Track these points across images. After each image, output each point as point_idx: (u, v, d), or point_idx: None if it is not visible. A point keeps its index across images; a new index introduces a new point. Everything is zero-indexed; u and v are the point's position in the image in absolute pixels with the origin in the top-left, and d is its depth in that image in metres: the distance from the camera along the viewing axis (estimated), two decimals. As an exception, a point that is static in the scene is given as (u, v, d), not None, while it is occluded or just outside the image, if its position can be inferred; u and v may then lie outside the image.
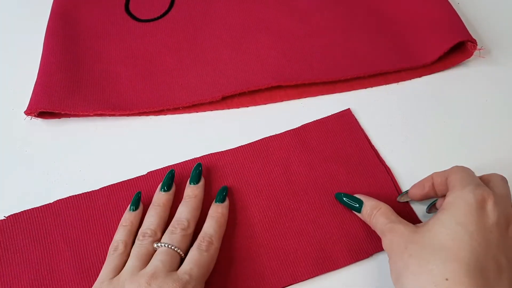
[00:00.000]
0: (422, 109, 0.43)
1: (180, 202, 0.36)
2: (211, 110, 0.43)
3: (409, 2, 0.49)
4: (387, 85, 0.45)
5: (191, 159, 0.39)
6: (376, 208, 0.33)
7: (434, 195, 0.34)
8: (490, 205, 0.29)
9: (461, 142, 0.41)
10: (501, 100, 0.44)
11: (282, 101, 0.44)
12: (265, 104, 0.44)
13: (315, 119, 0.42)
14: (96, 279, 0.32)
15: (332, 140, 0.40)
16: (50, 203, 0.37)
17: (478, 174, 0.37)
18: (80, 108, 0.42)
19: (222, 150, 0.40)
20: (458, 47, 0.45)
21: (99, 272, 0.32)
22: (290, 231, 0.35)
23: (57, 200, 0.37)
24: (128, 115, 0.43)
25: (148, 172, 0.39)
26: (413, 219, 0.36)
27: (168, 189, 0.36)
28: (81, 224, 0.36)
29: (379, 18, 0.49)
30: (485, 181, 0.32)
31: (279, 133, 0.41)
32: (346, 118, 0.42)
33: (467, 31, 0.45)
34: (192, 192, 0.36)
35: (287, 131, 0.41)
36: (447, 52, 0.44)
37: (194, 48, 0.47)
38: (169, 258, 0.31)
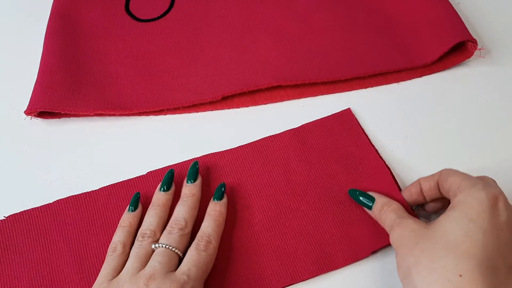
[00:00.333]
0: (422, 109, 0.43)
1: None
2: (211, 110, 0.43)
3: (409, 2, 0.49)
4: (387, 85, 0.45)
5: (191, 159, 0.39)
6: (387, 205, 0.33)
7: (422, 200, 0.34)
8: (501, 204, 0.29)
9: (461, 142, 0.41)
10: (501, 100, 0.44)
11: (282, 101, 0.44)
12: (265, 104, 0.43)
13: (315, 119, 0.42)
14: (96, 279, 0.32)
15: (332, 140, 0.40)
16: (50, 203, 0.37)
17: (478, 174, 0.37)
18: (80, 108, 0.42)
19: (222, 150, 0.40)
20: (458, 47, 0.45)
21: (99, 272, 0.32)
22: (290, 230, 0.35)
23: (57, 200, 0.37)
24: (128, 115, 0.43)
25: (148, 172, 0.39)
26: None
27: (168, 189, 0.36)
28: (81, 224, 0.36)
29: (379, 18, 0.49)
30: None
31: (279, 132, 0.41)
32: (346, 118, 0.42)
33: (467, 31, 0.45)
34: (189, 191, 0.36)
35: (287, 130, 0.41)
36: (447, 52, 0.44)
37: (194, 48, 0.47)
38: (167, 258, 0.31)
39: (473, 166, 0.39)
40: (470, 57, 0.45)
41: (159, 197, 0.36)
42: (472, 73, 0.45)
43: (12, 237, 0.35)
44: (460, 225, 0.28)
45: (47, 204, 0.37)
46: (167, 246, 0.32)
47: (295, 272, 0.34)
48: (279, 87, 0.44)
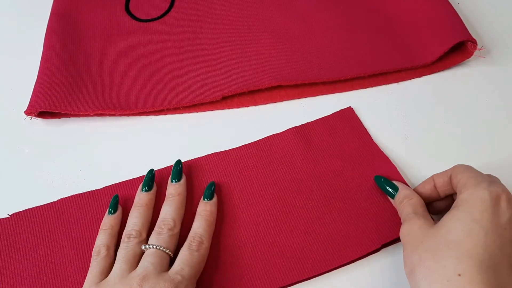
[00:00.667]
0: (422, 109, 0.43)
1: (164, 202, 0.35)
2: (211, 110, 0.43)
3: (409, 2, 0.49)
4: (387, 85, 0.45)
5: (191, 159, 0.39)
6: (408, 197, 0.34)
7: (436, 197, 0.34)
8: (504, 202, 0.29)
9: (461, 142, 0.41)
10: (501, 100, 0.44)
11: (282, 101, 0.44)
12: (265, 104, 0.44)
13: (315, 119, 0.42)
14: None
15: (335, 137, 0.40)
16: (53, 201, 0.37)
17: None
18: (80, 108, 0.42)
19: (222, 150, 0.40)
20: (458, 47, 0.45)
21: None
22: (296, 228, 0.35)
23: (61, 198, 0.37)
24: (128, 115, 0.43)
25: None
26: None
27: (149, 189, 0.36)
28: (84, 222, 0.36)
29: (379, 18, 0.49)
30: None
31: (281, 131, 0.41)
32: (347, 116, 0.42)
33: (467, 31, 0.45)
34: (175, 191, 0.36)
35: (290, 128, 0.41)
36: (447, 52, 0.44)
37: (194, 48, 0.47)
38: (158, 259, 0.31)
39: (473, 166, 0.39)
40: (470, 57, 0.45)
41: (142, 197, 0.36)
42: (472, 73, 0.45)
43: (16, 235, 0.35)
44: (463, 225, 0.29)
45: (51, 202, 0.37)
46: (157, 247, 0.32)
47: (301, 269, 0.33)
48: (279, 87, 0.44)
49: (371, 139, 0.40)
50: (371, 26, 0.48)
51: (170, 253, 0.32)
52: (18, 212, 0.36)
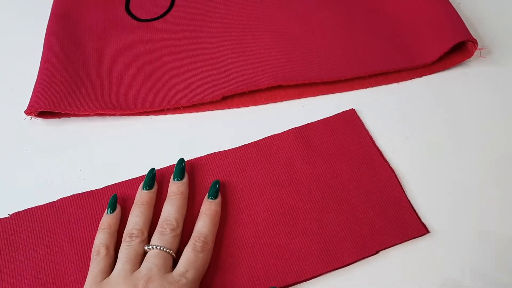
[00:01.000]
0: (422, 109, 0.43)
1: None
2: (212, 110, 0.43)
3: (410, 2, 0.49)
4: (388, 85, 0.45)
5: (192, 159, 0.39)
6: None
7: None
8: None
9: (461, 142, 0.41)
10: (502, 100, 0.44)
11: (282, 101, 0.44)
12: (266, 104, 0.43)
13: (315, 119, 0.42)
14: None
15: (335, 139, 0.40)
16: (53, 201, 0.37)
17: (478, 174, 0.38)
18: (80, 108, 0.42)
19: (222, 150, 0.40)
20: (458, 47, 0.45)
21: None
22: (295, 229, 0.35)
23: (61, 198, 0.37)
24: (128, 115, 0.43)
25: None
26: (413, 219, 0.36)
27: (150, 188, 0.36)
28: (84, 222, 0.36)
29: (379, 17, 0.49)
30: None
31: (282, 132, 0.41)
32: (349, 118, 0.42)
33: (468, 31, 0.45)
34: (177, 189, 0.36)
35: (290, 129, 0.41)
36: (448, 52, 0.44)
37: (194, 48, 0.47)
38: (162, 260, 0.31)
39: (473, 166, 0.39)
40: (470, 57, 0.45)
41: (143, 196, 0.35)
42: (472, 73, 0.45)
43: (16, 235, 0.35)
44: None
45: (51, 202, 0.37)
46: (161, 248, 0.32)
47: (299, 270, 0.33)
48: (279, 87, 0.44)
49: (372, 143, 0.40)
50: (371, 26, 0.48)
51: (173, 253, 0.32)
52: (18, 212, 0.36)
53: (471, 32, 0.45)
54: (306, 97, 0.44)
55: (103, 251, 0.32)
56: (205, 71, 0.45)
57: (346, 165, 0.39)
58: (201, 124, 0.42)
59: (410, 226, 0.35)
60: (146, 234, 0.33)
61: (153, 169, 0.37)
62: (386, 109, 0.43)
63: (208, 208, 0.35)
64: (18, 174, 0.39)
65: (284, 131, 0.41)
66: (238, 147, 0.40)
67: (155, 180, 0.37)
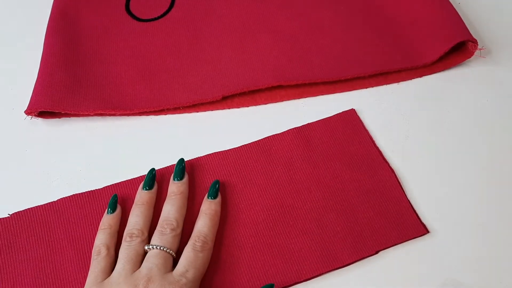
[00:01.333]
0: (422, 109, 0.43)
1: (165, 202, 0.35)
2: (212, 110, 0.43)
3: (410, 2, 0.49)
4: (388, 85, 0.45)
5: (192, 159, 0.39)
6: None
7: None
8: None
9: (461, 142, 0.41)
10: (502, 100, 0.43)
11: (282, 100, 0.44)
12: (266, 104, 0.43)
13: (315, 119, 0.42)
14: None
15: (336, 139, 0.40)
16: (53, 201, 0.37)
17: (478, 174, 0.38)
18: (80, 108, 0.42)
19: (222, 150, 0.40)
20: (458, 47, 0.45)
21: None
22: (294, 229, 0.35)
23: (61, 198, 0.37)
24: (128, 115, 0.43)
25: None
26: (412, 219, 0.36)
27: (150, 188, 0.36)
28: (84, 222, 0.36)
29: (379, 17, 0.49)
30: None
31: (281, 132, 0.41)
32: (350, 118, 0.42)
33: (468, 31, 0.45)
34: (177, 189, 0.36)
35: (291, 129, 0.41)
36: (448, 52, 0.44)
37: (194, 48, 0.47)
38: (162, 260, 0.31)
39: (473, 166, 0.39)
40: (470, 57, 0.45)
41: (143, 196, 0.35)
42: (472, 73, 0.45)
43: (16, 235, 0.35)
44: None
45: (51, 202, 0.37)
46: (161, 248, 0.32)
47: (299, 270, 0.33)
48: (279, 87, 0.44)
49: (372, 143, 0.40)
50: (371, 26, 0.48)
51: (173, 253, 0.32)
52: (18, 212, 0.36)
53: (471, 32, 0.45)
54: (306, 97, 0.44)
55: (103, 251, 0.32)
56: (205, 71, 0.45)
57: (346, 165, 0.39)
58: (201, 124, 0.42)
59: (410, 226, 0.35)
60: (146, 234, 0.33)
61: (153, 169, 0.37)
62: (386, 109, 0.43)
63: (208, 208, 0.35)
64: (18, 174, 0.39)
65: (284, 131, 0.41)
66: (238, 147, 0.40)
67: (155, 180, 0.37)
